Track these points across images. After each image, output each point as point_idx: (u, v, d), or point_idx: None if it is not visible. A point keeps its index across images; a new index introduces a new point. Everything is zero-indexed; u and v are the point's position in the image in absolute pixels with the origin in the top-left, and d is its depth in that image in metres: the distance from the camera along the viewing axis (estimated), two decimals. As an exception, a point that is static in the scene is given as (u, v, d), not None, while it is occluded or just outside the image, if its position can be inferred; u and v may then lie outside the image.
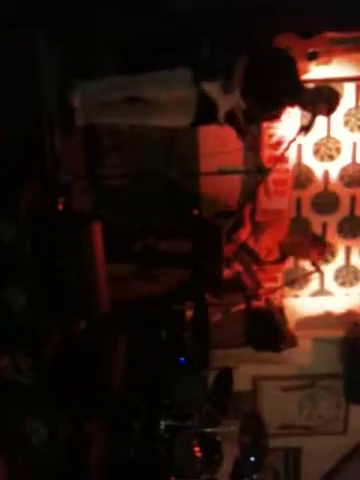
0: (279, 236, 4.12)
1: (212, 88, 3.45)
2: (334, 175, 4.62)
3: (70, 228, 2.99)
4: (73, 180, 3.56)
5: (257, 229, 4.05)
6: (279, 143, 4.32)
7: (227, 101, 3.46)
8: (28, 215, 2.99)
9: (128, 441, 3.75)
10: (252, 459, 3.93)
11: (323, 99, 3.46)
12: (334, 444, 5.30)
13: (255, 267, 4.03)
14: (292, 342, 4.45)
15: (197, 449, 3.74)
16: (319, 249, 4.14)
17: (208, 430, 3.83)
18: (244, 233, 3.95)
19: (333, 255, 4.80)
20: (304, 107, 3.57)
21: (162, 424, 3.74)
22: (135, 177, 4.00)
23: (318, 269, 4.27)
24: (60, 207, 3.21)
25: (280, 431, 5.17)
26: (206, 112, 3.51)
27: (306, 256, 4.21)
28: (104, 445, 3.75)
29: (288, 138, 4.14)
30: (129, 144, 4.20)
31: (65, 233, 2.96)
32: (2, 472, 2.87)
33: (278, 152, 4.20)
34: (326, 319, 5.00)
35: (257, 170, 3.57)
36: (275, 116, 3.65)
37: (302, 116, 4.20)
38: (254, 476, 4.06)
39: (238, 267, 4.01)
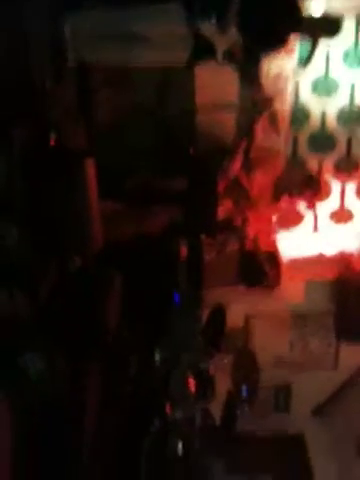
0: (272, 174, 4.08)
1: (207, 27, 3.34)
2: (331, 114, 4.55)
3: (62, 164, 2.96)
4: (65, 117, 3.49)
5: (249, 165, 4.00)
6: (277, 79, 4.22)
7: (224, 40, 3.36)
8: (20, 152, 2.95)
9: (125, 375, 3.85)
10: (244, 392, 4.05)
11: (325, 23, 3.35)
12: (324, 380, 5.45)
13: (246, 205, 4.01)
14: (274, 281, 4.47)
15: (191, 382, 3.84)
16: (313, 188, 4.12)
17: (202, 364, 3.93)
18: (236, 167, 3.90)
19: (328, 195, 4.79)
20: (307, 33, 3.45)
21: (157, 358, 3.83)
22: (129, 114, 3.93)
23: (312, 209, 4.28)
24: (52, 144, 3.17)
25: (271, 367, 5.30)
26: (203, 51, 3.41)
27: (299, 195, 4.19)
28: (101, 379, 3.86)
29: (286, 74, 4.06)
30: (122, 81, 4.10)
31: (57, 169, 2.93)
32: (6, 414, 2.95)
33: (275, 89, 4.12)
34: (319, 259, 5.05)
35: (253, 106, 3.51)
36: (278, 49, 3.55)
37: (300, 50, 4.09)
38: (246, 408, 4.21)
39: (228, 204, 3.99)
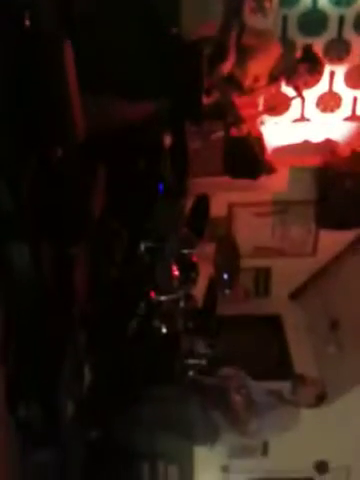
0: (268, 62, 3.86)
1: None
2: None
3: (38, 48, 2.76)
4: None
5: (243, 55, 3.77)
6: None
7: None
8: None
9: (110, 262, 3.93)
10: (225, 277, 4.19)
11: None
12: (302, 265, 5.66)
13: (237, 95, 3.84)
14: (269, 169, 4.45)
15: (175, 268, 3.95)
16: (312, 64, 3.93)
17: (185, 251, 4.02)
18: (229, 64, 3.68)
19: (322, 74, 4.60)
20: None
21: (142, 246, 3.90)
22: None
23: (300, 94, 4.14)
24: (26, 24, 2.94)
25: (252, 252, 5.47)
26: None
27: (300, 80, 3.99)
28: (87, 266, 3.95)
29: None
30: None
31: (33, 54, 2.74)
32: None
33: None
34: (304, 147, 5.00)
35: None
36: None
37: None
38: (227, 291, 4.38)
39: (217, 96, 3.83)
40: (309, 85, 4.13)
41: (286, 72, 3.91)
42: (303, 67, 3.90)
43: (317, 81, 4.36)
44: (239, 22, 3.65)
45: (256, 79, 3.87)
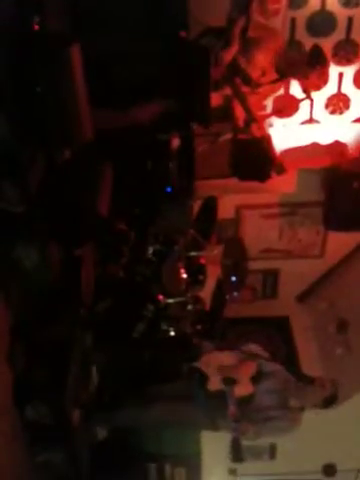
0: (274, 54, 3.81)
1: None
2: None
3: (47, 50, 2.78)
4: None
5: (249, 46, 3.72)
6: None
7: None
8: (2, 38, 2.76)
9: (117, 264, 3.94)
10: (233, 279, 4.18)
11: None
12: (310, 267, 5.64)
13: (247, 90, 3.79)
14: (280, 169, 4.40)
15: (182, 271, 3.95)
16: (319, 71, 3.91)
17: (193, 254, 4.02)
18: (234, 51, 3.63)
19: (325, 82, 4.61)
20: None
21: (150, 249, 3.90)
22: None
23: (308, 96, 4.12)
24: (36, 28, 2.96)
25: (260, 254, 5.46)
26: None
27: (305, 77, 3.96)
28: (94, 267, 3.96)
29: None
30: None
31: (41, 56, 2.76)
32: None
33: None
34: (312, 149, 4.99)
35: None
36: None
37: None
38: (235, 294, 4.38)
39: (227, 91, 3.79)
40: (314, 83, 4.09)
41: (291, 68, 3.87)
42: (308, 64, 3.86)
43: (323, 80, 4.33)
44: (246, 16, 3.60)
45: (263, 72, 3.81)
